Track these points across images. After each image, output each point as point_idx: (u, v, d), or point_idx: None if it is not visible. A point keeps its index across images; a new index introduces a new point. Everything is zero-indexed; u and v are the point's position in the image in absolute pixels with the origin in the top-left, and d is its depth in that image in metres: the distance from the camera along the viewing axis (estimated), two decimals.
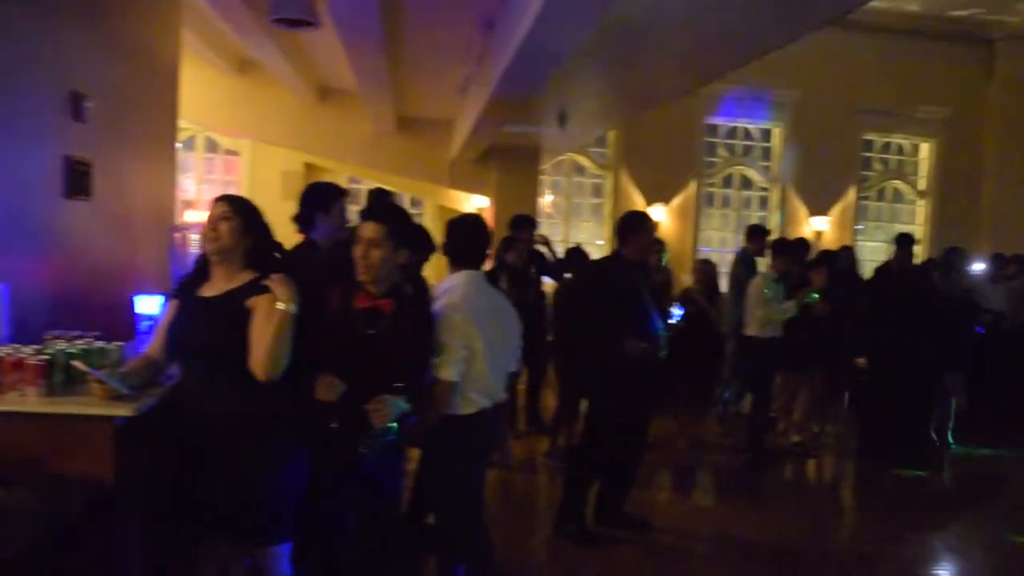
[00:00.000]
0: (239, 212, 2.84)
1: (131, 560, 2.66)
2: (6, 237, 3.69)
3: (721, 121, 13.30)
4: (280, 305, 2.68)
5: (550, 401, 7.20)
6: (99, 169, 4.45)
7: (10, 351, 2.72)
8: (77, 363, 2.75)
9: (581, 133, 10.57)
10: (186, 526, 2.84)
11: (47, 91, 4.03)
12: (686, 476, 6.23)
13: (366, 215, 3.02)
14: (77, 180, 4.24)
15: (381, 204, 4.39)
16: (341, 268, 2.97)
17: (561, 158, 12.86)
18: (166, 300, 3.05)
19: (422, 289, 4.21)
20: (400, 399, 2.79)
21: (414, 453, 3.68)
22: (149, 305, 3.58)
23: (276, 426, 2.80)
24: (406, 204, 12.81)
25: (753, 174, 13.54)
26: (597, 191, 13.27)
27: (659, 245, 6.32)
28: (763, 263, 7.14)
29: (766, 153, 13.58)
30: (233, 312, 2.71)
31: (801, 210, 13.31)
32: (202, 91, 8.93)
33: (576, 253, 7.01)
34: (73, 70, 4.25)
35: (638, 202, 12.57)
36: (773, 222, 13.02)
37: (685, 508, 5.48)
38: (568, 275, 6.61)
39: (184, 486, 2.79)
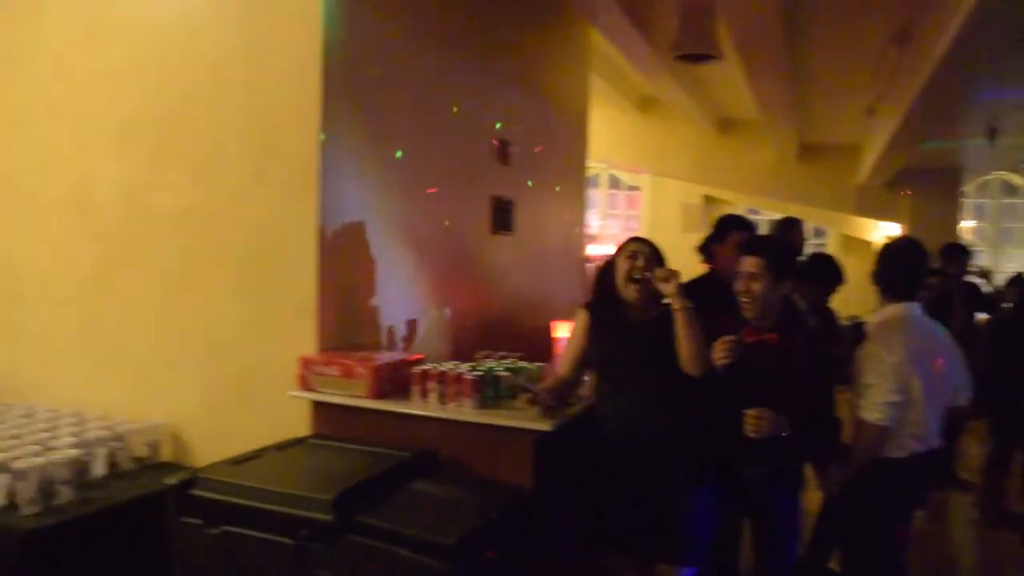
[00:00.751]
0: (656, 254, 3.01)
1: (541, 565, 2.86)
2: (449, 269, 4.25)
3: None
4: (675, 305, 2.85)
5: (971, 449, 6.39)
6: (520, 207, 4.94)
7: (452, 367, 3.12)
8: (508, 375, 3.08)
9: (1014, 146, 9.33)
10: (594, 540, 3.02)
11: (480, 140, 4.59)
12: None
13: (745, 249, 3.00)
14: (502, 217, 4.75)
15: (760, 237, 4.27)
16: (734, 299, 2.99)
17: (987, 177, 11.47)
18: (576, 323, 3.29)
19: (829, 322, 4.04)
20: (783, 423, 2.73)
21: (815, 495, 3.51)
22: (565, 331, 3.86)
23: (693, 448, 2.90)
24: (808, 234, 12.30)
25: None
26: None
27: None
28: None
29: None
30: (668, 336, 2.88)
31: None
32: (606, 130, 9.45)
33: (1019, 281, 6.22)
34: (500, 119, 4.79)
35: None
36: None
37: None
38: (1006, 305, 5.86)
39: (596, 501, 2.99)
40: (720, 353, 2.81)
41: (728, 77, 7.44)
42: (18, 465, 2.84)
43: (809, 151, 10.61)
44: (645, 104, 10.39)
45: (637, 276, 2.98)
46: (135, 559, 2.96)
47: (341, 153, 3.37)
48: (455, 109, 4.17)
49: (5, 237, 4.00)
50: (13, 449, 3.01)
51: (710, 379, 2.84)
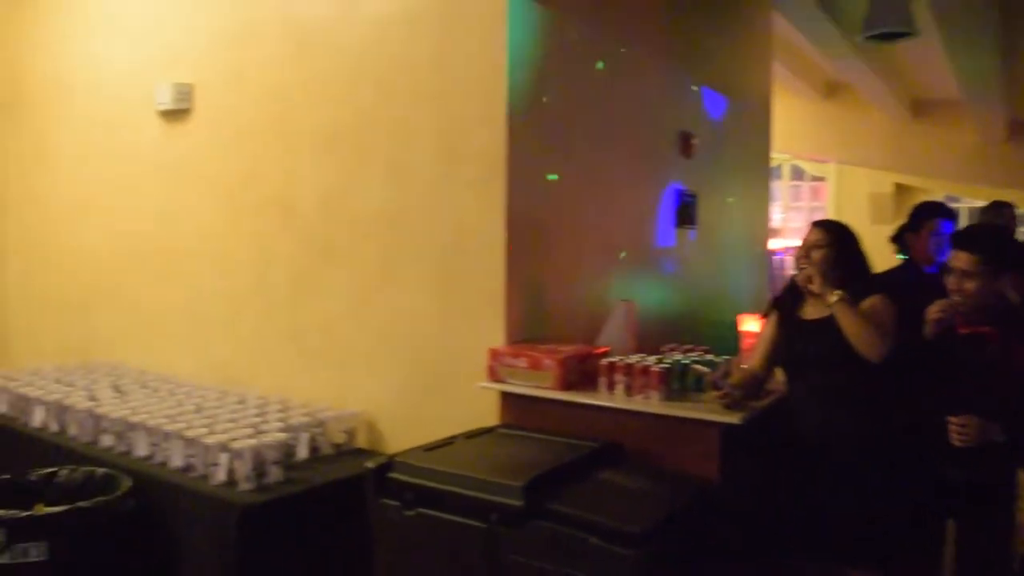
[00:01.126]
0: (833, 241, 2.89)
1: (726, 559, 2.82)
2: (632, 260, 4.24)
3: None
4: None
5: None
6: (703, 200, 4.85)
7: (638, 359, 3.11)
8: (698, 366, 3.04)
9: None
10: (778, 538, 2.94)
11: (662, 132, 4.54)
12: None
13: (956, 242, 2.81)
14: (685, 211, 4.68)
15: (974, 228, 3.98)
16: (938, 291, 2.81)
17: None
18: (765, 319, 3.25)
19: None
20: (994, 429, 2.53)
21: None
22: (751, 324, 3.79)
23: (882, 446, 2.80)
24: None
25: None
26: None
27: None
28: None
29: None
30: (838, 333, 2.78)
31: None
32: (789, 119, 9.07)
33: None
34: (682, 112, 4.72)
35: None
36: None
37: None
38: None
39: (781, 498, 2.90)
40: (935, 308, 2.67)
41: (925, 55, 6.98)
42: (235, 446, 3.09)
43: (1020, 129, 9.73)
44: (831, 90, 9.91)
45: (803, 264, 2.94)
46: (336, 536, 3.15)
47: (526, 150, 3.43)
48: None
49: (220, 241, 4.37)
50: (231, 431, 3.28)
51: (911, 368, 2.70)
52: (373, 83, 3.72)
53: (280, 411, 3.68)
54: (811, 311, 2.96)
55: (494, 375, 3.23)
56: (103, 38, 4.94)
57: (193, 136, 4.46)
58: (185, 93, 4.42)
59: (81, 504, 3.06)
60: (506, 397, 3.27)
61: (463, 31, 3.45)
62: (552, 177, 3.64)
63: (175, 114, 4.49)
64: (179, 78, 4.44)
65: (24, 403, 4.06)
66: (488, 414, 3.30)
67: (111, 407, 3.72)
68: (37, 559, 2.93)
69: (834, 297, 2.80)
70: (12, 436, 3.99)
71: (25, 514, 2.98)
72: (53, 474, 3.45)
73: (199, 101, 4.42)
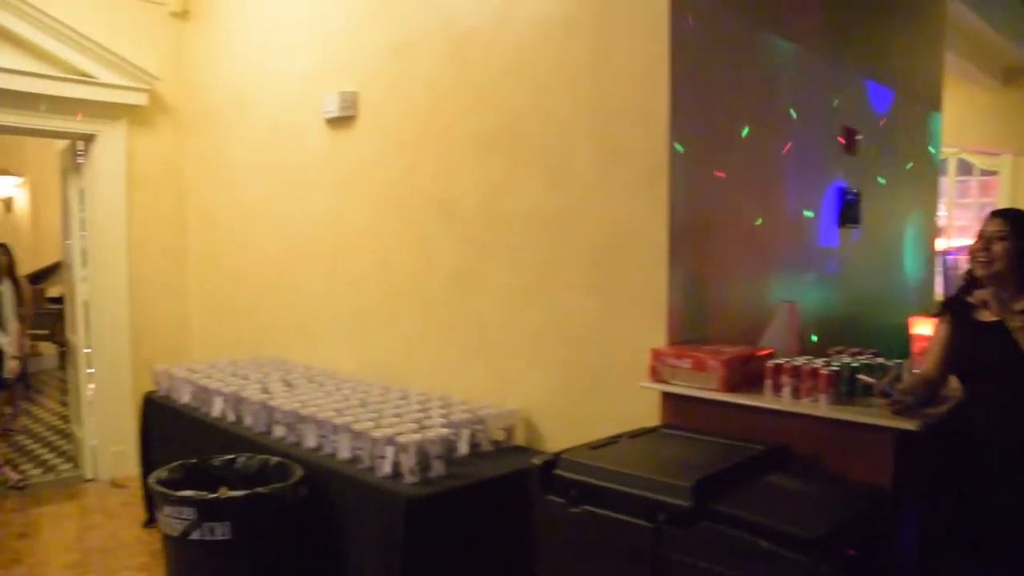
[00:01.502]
0: (1016, 231, 2.69)
1: (900, 570, 2.70)
2: (794, 261, 4.12)
3: None
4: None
5: None
6: (867, 198, 4.64)
7: (805, 361, 3.00)
8: (863, 376, 2.91)
9: None
10: (959, 549, 2.80)
11: (826, 128, 4.38)
12: None
13: None
14: (849, 209, 4.49)
15: None
16: None
17: None
18: (937, 321, 3.07)
19: None
20: None
21: None
22: (922, 327, 3.61)
23: None
24: None
25: None
26: None
27: None
28: None
29: None
30: (1013, 339, 2.63)
31: None
32: (959, 110, 8.53)
33: None
34: (846, 106, 4.53)
35: None
36: None
37: None
38: None
39: (964, 509, 2.76)
40: None
41: None
42: (401, 440, 3.20)
43: None
44: (1009, 75, 9.22)
45: (982, 258, 2.73)
46: (497, 531, 3.21)
47: (688, 152, 3.38)
48: (793, 114, 4.00)
49: (382, 242, 4.54)
50: (396, 426, 3.40)
51: None
52: (531, 86, 3.76)
53: (442, 407, 3.78)
54: (987, 313, 2.77)
55: (656, 375, 3.19)
56: (275, 53, 5.24)
57: (358, 142, 4.65)
58: (351, 101, 4.62)
59: (259, 490, 3.25)
60: (667, 397, 3.23)
61: (622, 31, 3.43)
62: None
63: (341, 121, 4.70)
64: (345, 87, 4.64)
65: (205, 394, 4.36)
66: (647, 414, 3.27)
67: (283, 400, 3.94)
68: (222, 537, 3.14)
69: (1018, 322, 2.61)
70: (195, 423, 4.30)
71: (211, 496, 3.21)
72: (233, 460, 3.70)
73: (364, 108, 4.61)
